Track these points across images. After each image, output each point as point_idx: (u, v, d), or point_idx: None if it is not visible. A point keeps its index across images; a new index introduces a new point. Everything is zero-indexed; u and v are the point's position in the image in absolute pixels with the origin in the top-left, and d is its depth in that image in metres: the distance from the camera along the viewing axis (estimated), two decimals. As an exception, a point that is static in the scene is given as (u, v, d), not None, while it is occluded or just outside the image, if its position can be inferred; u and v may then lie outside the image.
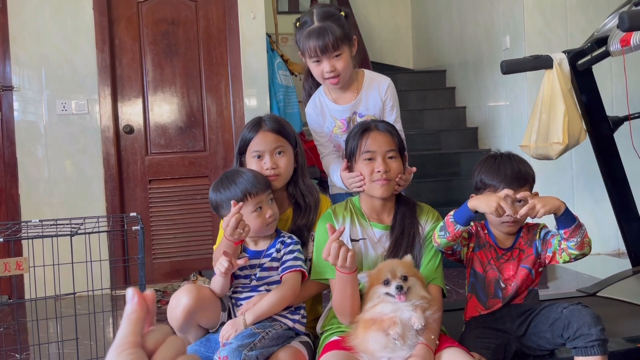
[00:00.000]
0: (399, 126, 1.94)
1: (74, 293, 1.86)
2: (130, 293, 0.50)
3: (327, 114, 1.97)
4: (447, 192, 4.35)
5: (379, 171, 1.65)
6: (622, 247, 3.86)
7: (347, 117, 1.95)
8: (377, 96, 1.95)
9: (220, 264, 1.55)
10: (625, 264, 2.66)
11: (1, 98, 3.58)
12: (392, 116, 1.97)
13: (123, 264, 2.32)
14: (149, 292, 0.52)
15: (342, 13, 1.88)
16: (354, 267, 1.47)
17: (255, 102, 3.83)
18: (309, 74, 2.04)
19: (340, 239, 1.47)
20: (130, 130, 3.77)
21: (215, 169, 3.87)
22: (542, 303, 1.69)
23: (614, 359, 1.64)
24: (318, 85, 2.03)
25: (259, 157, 1.79)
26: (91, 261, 1.72)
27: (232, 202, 1.59)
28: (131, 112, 3.79)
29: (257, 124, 1.81)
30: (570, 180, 3.94)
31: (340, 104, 1.96)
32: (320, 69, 1.87)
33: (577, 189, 3.90)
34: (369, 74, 2.00)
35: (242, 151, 1.83)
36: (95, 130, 3.67)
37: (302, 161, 1.87)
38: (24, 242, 2.98)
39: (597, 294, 2.29)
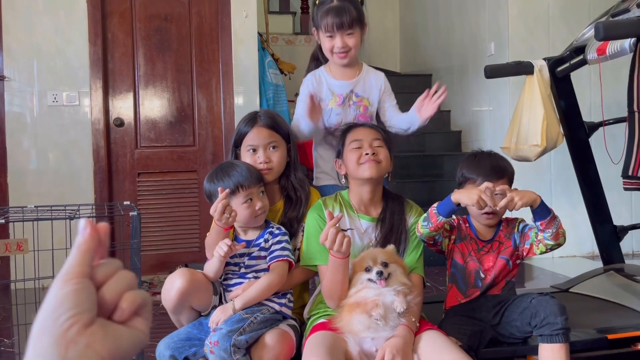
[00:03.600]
0: (398, 108, 2.12)
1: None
2: (83, 223, 0.48)
3: (324, 87, 2.07)
4: (430, 192, 4.45)
5: (367, 153, 1.74)
6: (597, 250, 4.00)
7: (345, 93, 2.05)
8: (374, 84, 2.09)
9: (220, 248, 1.63)
10: (598, 266, 2.77)
11: (-8, 87, 3.61)
12: (393, 102, 2.14)
13: (121, 248, 2.37)
14: (103, 224, 0.50)
15: (359, 0, 2.06)
16: (347, 252, 1.56)
17: (245, 99, 3.90)
18: (316, 54, 2.17)
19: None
20: (120, 123, 3.82)
21: (204, 163, 3.93)
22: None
23: (585, 348, 1.75)
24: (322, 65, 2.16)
25: (253, 151, 1.87)
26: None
27: (219, 188, 1.67)
28: (122, 106, 3.83)
29: (253, 119, 1.89)
30: (548, 185, 4.07)
31: (340, 79, 2.07)
32: (332, 43, 2.00)
33: (555, 193, 4.03)
34: (367, 66, 2.16)
35: (237, 144, 1.91)
36: (85, 123, 3.71)
37: (295, 156, 1.95)
38: (11, 227, 3.02)
39: (570, 290, 2.41)
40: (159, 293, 3.41)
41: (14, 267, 3.40)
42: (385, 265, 1.58)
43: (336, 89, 2.06)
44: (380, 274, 1.55)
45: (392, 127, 2.06)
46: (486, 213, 1.75)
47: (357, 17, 2.00)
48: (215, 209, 1.64)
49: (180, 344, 1.62)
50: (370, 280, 1.58)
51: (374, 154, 1.75)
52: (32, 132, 3.64)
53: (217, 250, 1.64)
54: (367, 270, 1.58)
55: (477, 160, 1.77)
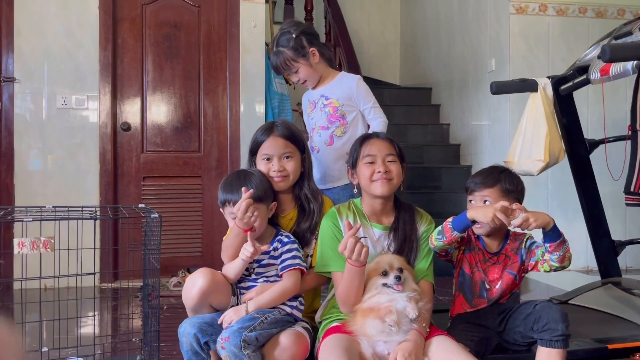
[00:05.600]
0: (377, 112, 2.29)
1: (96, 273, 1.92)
2: None
3: (307, 98, 2.41)
4: (428, 204, 4.51)
5: (379, 171, 1.79)
6: (591, 264, 4.08)
7: (316, 99, 2.32)
8: (344, 87, 2.29)
9: (246, 249, 1.70)
10: (592, 280, 2.85)
11: (2, 89, 3.65)
12: (368, 105, 2.30)
13: (133, 250, 2.41)
14: None
15: (294, 35, 2.25)
16: (365, 261, 1.62)
17: (251, 107, 3.96)
18: None
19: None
20: (127, 127, 3.87)
21: (208, 170, 3.98)
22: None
23: (586, 357, 1.82)
24: None
25: (267, 159, 1.93)
26: (111, 247, 1.81)
27: (243, 188, 1.74)
28: (129, 110, 3.88)
29: (270, 129, 1.95)
30: (545, 200, 4.15)
31: (315, 90, 2.36)
32: (292, 79, 2.37)
33: (551, 207, 4.11)
34: (343, 73, 2.39)
35: (254, 152, 1.97)
36: (93, 126, 3.76)
37: (309, 166, 2.01)
38: (17, 226, 3.04)
39: (569, 302, 2.48)
40: (162, 296, 3.44)
41: (16, 267, 3.42)
42: (401, 270, 1.64)
43: (311, 97, 2.36)
44: (398, 278, 1.61)
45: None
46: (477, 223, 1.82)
47: (292, 56, 2.25)
48: (239, 207, 1.70)
49: (205, 327, 1.67)
50: (384, 285, 1.63)
51: (386, 172, 1.79)
52: (40, 134, 3.68)
53: (242, 252, 1.70)
54: (384, 274, 1.64)
55: (478, 171, 1.86)
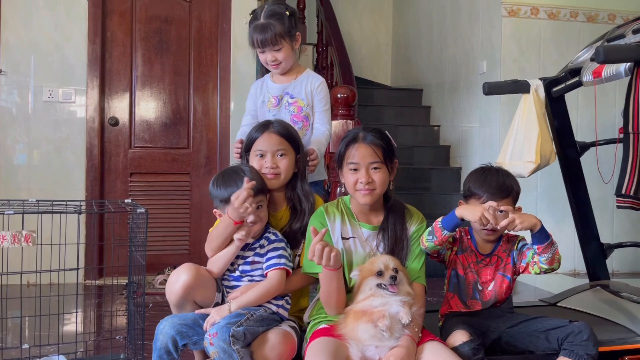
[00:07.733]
0: (325, 119, 2.24)
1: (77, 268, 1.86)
2: None
3: (264, 90, 2.28)
4: (417, 205, 4.40)
5: (361, 182, 1.75)
6: (578, 267, 4.10)
7: (279, 95, 2.23)
8: (308, 87, 2.23)
9: (241, 229, 1.71)
10: (580, 283, 2.85)
11: (-13, 80, 3.59)
12: (320, 108, 2.25)
13: (118, 245, 2.35)
14: None
15: (287, 12, 2.17)
16: (337, 264, 1.59)
17: (241, 104, 3.89)
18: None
19: (324, 239, 1.57)
20: (115, 122, 3.82)
21: (197, 166, 3.94)
22: (516, 309, 1.87)
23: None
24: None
25: (261, 156, 1.90)
26: (97, 242, 1.77)
27: (246, 179, 1.73)
28: (117, 105, 3.84)
29: (265, 126, 1.92)
30: (534, 202, 4.16)
31: (277, 83, 2.25)
32: (264, 57, 2.20)
33: (540, 210, 4.12)
34: (309, 71, 2.31)
35: (248, 149, 1.94)
36: (80, 120, 3.71)
37: (303, 167, 1.98)
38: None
39: (558, 304, 2.47)
40: (148, 294, 3.40)
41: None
42: (397, 271, 1.61)
43: (272, 91, 2.25)
44: (394, 278, 1.58)
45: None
46: (487, 229, 1.80)
47: (283, 32, 2.14)
48: (237, 196, 1.68)
49: (185, 329, 1.64)
50: (379, 285, 1.60)
51: (368, 182, 1.74)
52: (25, 127, 3.62)
53: (238, 232, 1.71)
54: (379, 274, 1.61)
55: (484, 175, 1.82)
